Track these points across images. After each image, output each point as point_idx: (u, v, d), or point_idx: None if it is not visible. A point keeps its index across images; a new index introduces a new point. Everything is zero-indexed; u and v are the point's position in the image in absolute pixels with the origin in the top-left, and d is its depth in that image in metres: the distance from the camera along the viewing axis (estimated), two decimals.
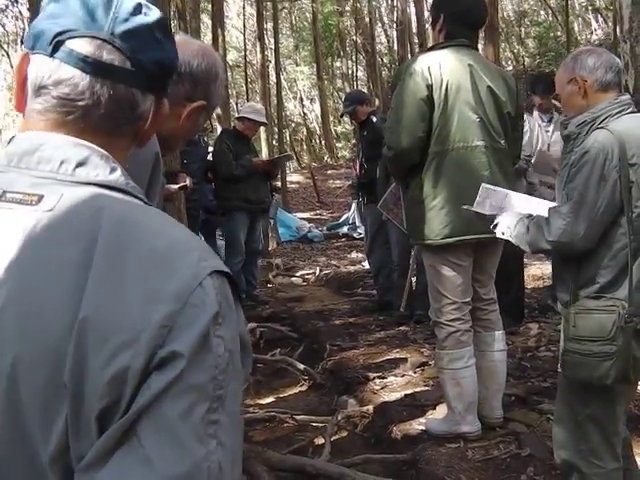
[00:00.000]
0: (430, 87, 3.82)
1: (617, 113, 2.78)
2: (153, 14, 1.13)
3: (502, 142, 4.00)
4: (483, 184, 3.42)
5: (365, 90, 32.78)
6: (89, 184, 1.04)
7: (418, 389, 5.07)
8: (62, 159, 1.05)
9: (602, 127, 2.76)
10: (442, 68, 3.85)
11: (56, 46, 1.07)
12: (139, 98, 1.11)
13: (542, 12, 31.17)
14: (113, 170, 1.08)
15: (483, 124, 3.91)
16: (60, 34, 1.06)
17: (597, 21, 26.57)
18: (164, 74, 1.16)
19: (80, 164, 1.05)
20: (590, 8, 27.42)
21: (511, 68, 22.86)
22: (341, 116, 10.04)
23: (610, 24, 19.57)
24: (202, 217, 9.31)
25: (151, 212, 1.07)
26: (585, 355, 2.72)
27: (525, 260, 7.21)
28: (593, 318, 2.72)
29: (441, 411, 4.46)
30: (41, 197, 1.00)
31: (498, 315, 4.24)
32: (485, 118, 3.92)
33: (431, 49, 4.09)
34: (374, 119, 7.89)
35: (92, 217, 0.98)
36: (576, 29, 27.89)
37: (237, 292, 1.06)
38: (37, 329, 0.93)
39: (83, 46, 1.06)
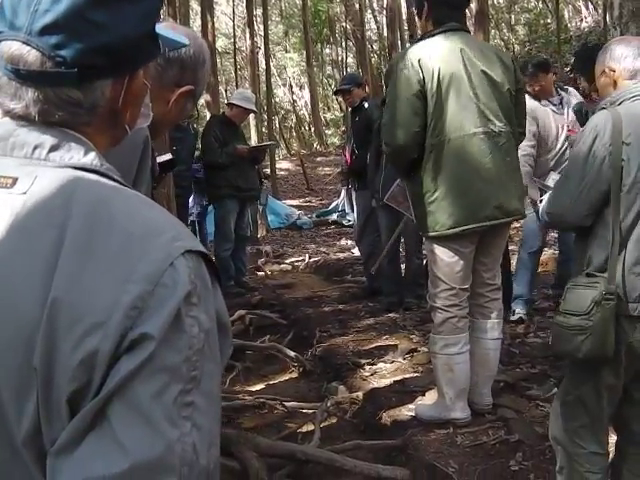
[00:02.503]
0: (422, 81, 3.78)
1: (633, 97, 2.78)
2: None
3: (502, 125, 3.93)
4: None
5: None
6: (64, 167, 1.03)
7: (407, 375, 5.08)
8: (36, 144, 1.04)
9: (605, 108, 2.80)
10: (432, 59, 3.81)
11: None
12: (76, 94, 1.05)
13: None
14: (87, 152, 1.06)
15: (479, 110, 3.86)
16: None
17: (587, 8, 26.50)
18: (119, 54, 1.06)
19: (54, 148, 1.04)
20: None
21: (491, 46, 22.83)
22: (335, 93, 9.98)
23: (600, 11, 19.56)
24: (197, 210, 9.35)
25: (126, 193, 1.05)
26: (564, 327, 2.77)
27: (512, 247, 7.22)
28: (578, 292, 2.76)
29: (430, 397, 4.48)
30: (15, 180, 1.00)
31: (500, 304, 4.24)
32: (481, 103, 3.87)
33: (421, 38, 4.04)
34: (366, 105, 7.88)
35: (65, 200, 0.97)
36: (566, 16, 27.80)
37: (216, 273, 1.05)
38: (9, 312, 0.92)
39: (6, 50, 1.02)
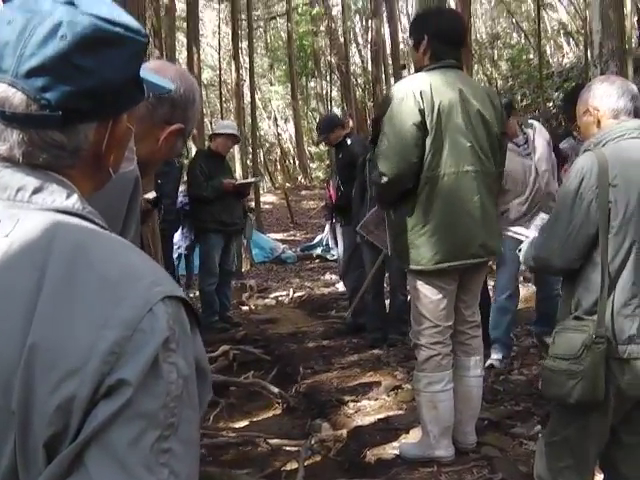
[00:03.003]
0: (422, 112, 3.79)
1: (617, 137, 2.81)
2: (73, 34, 1.03)
3: (490, 165, 4.00)
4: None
5: (339, 111, 32.91)
6: (46, 210, 1.04)
7: (392, 413, 5.07)
8: (19, 186, 1.05)
9: (590, 150, 2.83)
10: (433, 92, 3.82)
11: None
12: (59, 137, 1.06)
13: (515, 35, 31.48)
14: (69, 195, 1.07)
15: (473, 149, 3.91)
16: None
17: (569, 44, 26.88)
18: (103, 98, 1.08)
19: (36, 190, 1.05)
20: (562, 32, 27.75)
21: (484, 87, 23.04)
22: (316, 144, 10.06)
23: (582, 47, 19.83)
24: (185, 243, 9.36)
25: (106, 237, 1.06)
26: (554, 372, 2.77)
27: (494, 283, 7.24)
28: (567, 336, 2.76)
29: (414, 435, 4.47)
30: None
31: (480, 341, 4.26)
32: (475, 143, 3.92)
33: (419, 71, 4.06)
34: (348, 141, 7.92)
35: (45, 243, 0.98)
36: (548, 52, 28.17)
37: (196, 318, 1.06)
38: None
39: None
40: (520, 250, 3.18)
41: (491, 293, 6.49)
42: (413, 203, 3.91)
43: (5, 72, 1.02)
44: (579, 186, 2.74)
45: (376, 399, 5.43)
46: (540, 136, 6.01)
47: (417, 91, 3.81)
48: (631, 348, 2.70)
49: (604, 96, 2.91)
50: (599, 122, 2.93)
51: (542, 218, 3.36)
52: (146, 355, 0.92)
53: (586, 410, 2.78)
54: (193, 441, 1.00)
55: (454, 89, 3.91)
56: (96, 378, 0.90)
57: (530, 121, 6.32)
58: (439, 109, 3.82)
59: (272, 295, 11.29)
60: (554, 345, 2.82)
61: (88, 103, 1.05)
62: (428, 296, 4.00)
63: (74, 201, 1.07)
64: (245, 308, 10.30)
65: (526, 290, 8.32)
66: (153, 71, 1.51)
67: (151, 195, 2.99)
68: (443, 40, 4.00)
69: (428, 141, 3.83)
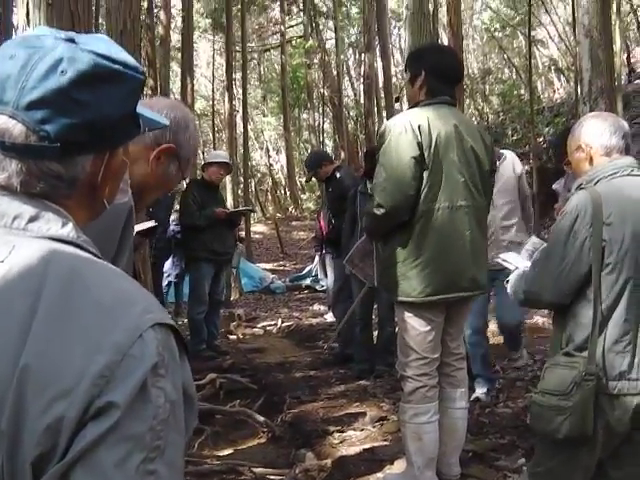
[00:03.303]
0: (421, 146, 3.83)
1: (610, 175, 2.85)
2: (73, 70, 1.07)
3: (481, 200, 4.07)
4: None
5: (331, 143, 33.10)
6: (41, 237, 1.07)
7: (377, 444, 5.07)
8: (15, 214, 1.08)
9: (584, 188, 2.85)
10: (431, 127, 3.86)
11: None
12: (57, 168, 1.09)
13: (506, 70, 31.79)
14: (65, 224, 1.10)
15: (466, 184, 3.96)
16: None
17: (559, 80, 27.15)
18: (100, 131, 1.12)
19: (32, 219, 1.08)
20: (553, 68, 28.04)
21: (475, 124, 23.23)
22: (306, 181, 10.08)
23: (572, 84, 20.02)
24: (176, 271, 9.37)
25: (99, 265, 1.09)
26: (543, 407, 2.78)
27: None
28: (557, 372, 2.78)
29: (399, 466, 4.47)
30: None
31: (465, 373, 4.29)
32: (468, 178, 3.97)
33: (415, 106, 4.10)
34: (338, 175, 7.97)
35: (40, 269, 1.01)
36: (539, 87, 28.42)
37: (184, 345, 1.09)
38: None
39: None
40: (508, 281, 3.20)
41: None
42: (407, 235, 3.94)
43: (6, 104, 1.06)
44: (574, 223, 2.76)
45: (362, 430, 5.43)
46: (506, 168, 6.05)
47: (415, 125, 3.85)
48: (622, 384, 2.72)
49: (597, 133, 2.95)
50: (591, 159, 2.96)
51: (533, 242, 3.36)
52: (135, 379, 0.95)
53: (574, 444, 2.78)
54: (178, 465, 1.02)
55: (449, 125, 3.95)
56: (86, 400, 0.92)
57: (501, 151, 6.31)
58: (436, 144, 3.86)
59: (260, 325, 11.29)
60: (544, 380, 2.84)
61: (86, 136, 1.09)
62: (416, 328, 4.01)
63: (69, 230, 1.11)
64: (233, 337, 10.30)
65: None
66: (147, 106, 1.55)
67: (147, 225, 3.01)
68: (440, 77, 4.05)
69: (425, 175, 3.86)
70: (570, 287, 2.79)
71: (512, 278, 3.15)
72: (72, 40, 1.11)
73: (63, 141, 1.07)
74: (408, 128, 3.85)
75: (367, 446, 5.00)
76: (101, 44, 1.13)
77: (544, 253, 2.95)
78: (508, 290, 3.19)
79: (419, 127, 3.85)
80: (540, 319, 8.84)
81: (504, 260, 3.39)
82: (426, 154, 3.85)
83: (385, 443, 5.07)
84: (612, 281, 2.72)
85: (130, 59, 1.15)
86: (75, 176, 1.12)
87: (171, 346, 1.04)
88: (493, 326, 8.59)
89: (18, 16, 4.56)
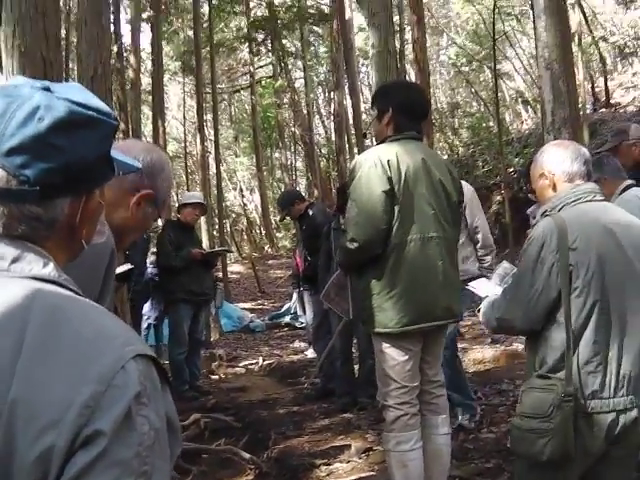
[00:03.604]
0: (390, 180, 3.89)
1: (574, 201, 2.90)
2: (50, 117, 1.13)
3: (451, 231, 4.15)
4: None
5: (304, 181, 33.26)
6: (24, 277, 1.13)
7: (363, 474, 5.09)
8: None
9: (548, 215, 2.92)
10: (400, 161, 3.93)
11: None
12: (37, 210, 1.15)
13: (474, 103, 32.20)
14: (46, 265, 1.16)
15: (436, 216, 4.03)
16: None
17: (527, 112, 27.52)
18: (77, 174, 1.17)
19: (15, 260, 1.14)
20: (520, 100, 28.44)
21: (446, 157, 23.46)
22: (280, 220, 10.12)
23: (539, 114, 20.36)
24: (155, 313, 9.36)
25: (81, 302, 1.15)
26: (524, 431, 2.81)
27: (466, 345, 7.35)
28: (534, 396, 2.80)
29: None
30: None
31: (445, 399, 4.32)
32: (438, 210, 4.04)
33: (380, 141, 4.18)
34: (310, 212, 8.05)
35: (24, 307, 1.06)
36: (507, 119, 28.79)
37: (165, 376, 1.15)
38: None
39: None
40: (479, 310, 3.25)
41: None
42: (381, 268, 3.99)
43: None
44: (540, 251, 2.81)
45: (348, 462, 5.45)
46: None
47: (385, 160, 3.92)
48: (595, 403, 2.76)
49: (558, 160, 3.01)
50: (555, 185, 3.02)
51: (504, 267, 3.40)
52: (120, 408, 1.01)
53: (552, 465, 2.80)
54: None
55: (417, 159, 4.03)
56: (73, 429, 0.97)
57: None
58: (406, 177, 3.93)
59: (242, 364, 11.25)
60: (522, 404, 2.87)
61: (63, 179, 1.15)
62: (394, 358, 4.05)
63: (50, 269, 1.17)
64: (215, 377, 10.25)
65: (494, 350, 8.43)
66: (121, 150, 1.62)
67: (124, 268, 3.07)
68: (407, 113, 4.14)
69: (396, 208, 3.93)
70: (540, 313, 2.83)
71: (483, 306, 3.19)
72: (48, 89, 1.17)
73: (42, 184, 1.13)
74: (378, 163, 3.92)
75: (354, 477, 5.02)
76: (75, 92, 1.20)
77: (513, 281, 2.99)
78: (480, 318, 3.23)
79: (388, 162, 3.92)
80: (520, 345, 8.92)
81: (474, 288, 3.43)
82: (396, 188, 3.91)
83: (371, 473, 5.10)
84: (580, 304, 2.76)
85: (103, 105, 1.22)
86: (54, 218, 1.18)
87: (152, 376, 1.10)
88: (474, 354, 8.70)
89: None
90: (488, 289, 3.31)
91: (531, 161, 3.27)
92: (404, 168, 3.94)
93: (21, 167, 1.11)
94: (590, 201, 2.93)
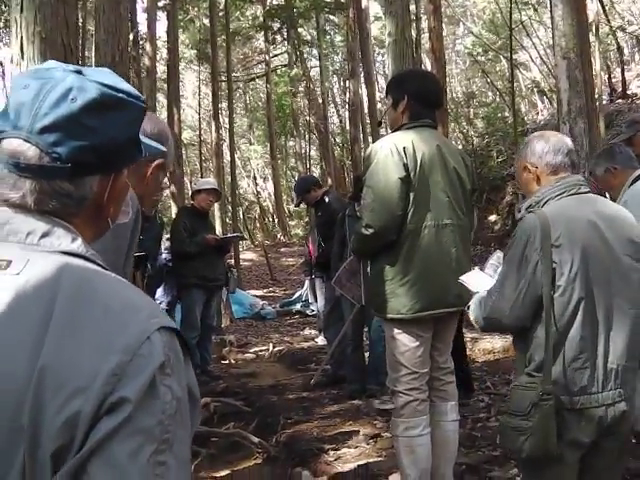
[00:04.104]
0: (407, 167, 3.92)
1: (558, 195, 2.90)
2: (83, 98, 1.18)
3: (464, 219, 4.19)
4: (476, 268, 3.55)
5: (318, 169, 33.25)
6: (53, 252, 1.18)
7: (371, 460, 5.12)
8: (29, 230, 1.19)
9: (532, 210, 2.91)
10: (415, 149, 3.97)
11: None
12: (67, 187, 1.20)
13: (490, 93, 32.09)
14: (74, 240, 1.21)
15: (450, 203, 4.07)
16: None
17: (542, 102, 27.39)
18: (107, 154, 1.22)
19: (45, 235, 1.19)
20: (535, 90, 28.33)
21: (461, 147, 23.43)
22: (296, 206, 10.11)
23: (555, 105, 20.28)
24: (168, 299, 9.43)
25: (107, 276, 1.20)
26: (507, 427, 2.83)
27: (476, 335, 7.38)
28: (519, 393, 2.82)
29: None
30: (9, 262, 1.14)
31: (454, 387, 4.35)
32: (452, 197, 4.08)
33: (395, 129, 4.21)
34: (327, 199, 8.08)
35: (53, 280, 1.11)
36: (523, 110, 28.70)
37: (187, 348, 1.19)
38: (5, 375, 1.05)
39: (8, 147, 1.18)
40: (468, 307, 3.21)
41: None
42: (395, 254, 4.03)
43: (21, 129, 1.17)
44: (524, 249, 2.80)
45: (356, 447, 5.49)
46: None
47: (400, 147, 3.95)
48: (584, 398, 2.77)
49: (541, 153, 3.00)
50: (539, 178, 3.01)
51: (498, 256, 3.36)
52: (145, 377, 1.05)
53: (546, 462, 2.83)
54: (185, 458, 1.12)
55: (433, 146, 4.07)
56: (100, 396, 1.02)
57: None
58: (421, 164, 3.97)
59: (252, 350, 11.32)
60: (509, 401, 2.91)
61: (94, 158, 1.20)
62: (406, 344, 4.09)
63: (78, 244, 1.21)
64: (225, 362, 10.33)
65: (504, 341, 8.46)
66: None
67: (136, 255, 3.20)
68: (422, 101, 4.18)
69: (411, 195, 3.96)
70: (527, 311, 2.83)
71: (472, 303, 3.16)
72: (79, 72, 1.23)
73: (73, 162, 1.18)
74: (394, 150, 3.95)
75: (362, 462, 5.04)
76: (105, 76, 1.25)
77: (499, 279, 2.97)
78: (470, 317, 3.19)
79: (404, 149, 3.95)
80: None
81: (465, 281, 3.39)
82: (412, 175, 3.95)
83: (379, 459, 5.14)
84: (565, 302, 2.75)
85: (132, 89, 1.28)
86: (83, 195, 1.23)
87: (176, 348, 1.14)
88: (484, 345, 8.73)
89: (12, 49, 4.66)
90: (480, 282, 3.25)
91: None
92: (420, 155, 3.97)
93: (54, 145, 1.16)
94: (575, 194, 2.92)
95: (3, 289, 1.11)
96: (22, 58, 4.51)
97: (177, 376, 1.11)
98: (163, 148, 1.71)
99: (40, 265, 1.14)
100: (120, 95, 1.24)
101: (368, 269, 4.29)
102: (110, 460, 1.00)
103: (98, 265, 1.22)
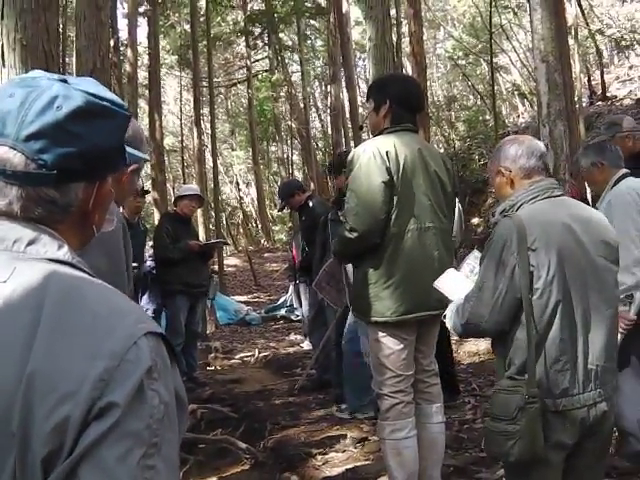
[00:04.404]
0: (389, 170, 3.94)
1: (532, 199, 2.92)
2: (68, 105, 1.19)
3: (446, 222, 4.22)
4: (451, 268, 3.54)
5: (300, 174, 33.25)
6: (40, 259, 1.18)
7: (359, 463, 5.15)
8: (15, 238, 1.20)
9: (507, 215, 2.92)
10: (398, 153, 3.99)
11: None
12: (53, 194, 1.21)
13: (471, 97, 32.22)
14: (60, 247, 1.22)
15: (432, 207, 4.10)
16: None
17: (523, 105, 27.55)
18: (92, 161, 1.23)
19: (31, 242, 1.20)
20: (516, 93, 28.48)
21: (442, 150, 23.52)
22: (279, 210, 10.11)
23: (535, 107, 20.38)
24: (153, 307, 9.40)
25: (94, 282, 1.21)
26: (493, 432, 2.83)
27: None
28: (502, 397, 2.82)
29: None
30: None
31: (439, 389, 4.37)
32: (434, 200, 4.11)
33: (377, 133, 4.23)
34: (310, 203, 8.08)
35: (41, 287, 1.12)
36: (504, 112, 28.85)
37: (173, 353, 1.20)
38: None
39: None
40: (445, 316, 3.20)
41: None
42: (379, 257, 4.04)
43: (7, 137, 1.18)
44: (501, 253, 2.81)
45: (343, 451, 5.51)
46: None
47: (383, 151, 3.97)
48: (566, 400, 2.79)
49: (515, 157, 3.02)
50: (512, 182, 3.03)
51: (475, 256, 3.36)
52: (133, 381, 1.06)
53: (531, 465, 2.84)
54: (174, 462, 1.13)
55: (414, 150, 4.09)
56: (88, 401, 1.03)
57: None
58: (404, 168, 3.99)
59: (238, 356, 11.29)
60: (492, 405, 2.89)
61: (79, 164, 1.22)
62: (390, 347, 4.10)
63: (65, 252, 1.22)
64: (211, 368, 10.31)
65: (489, 343, 8.47)
66: None
67: None
68: (404, 105, 4.21)
69: (395, 199, 3.98)
70: (506, 315, 2.83)
71: (449, 311, 3.15)
72: (65, 81, 1.25)
73: (59, 169, 1.19)
74: (376, 154, 3.97)
75: (350, 466, 5.07)
76: (90, 85, 1.27)
77: (477, 284, 2.96)
78: (448, 325, 3.18)
79: (387, 153, 3.97)
80: None
81: (439, 287, 3.37)
82: (395, 179, 3.97)
83: (367, 462, 5.15)
84: (543, 305, 2.77)
85: (117, 98, 1.30)
86: (69, 202, 1.24)
87: (162, 353, 1.15)
88: (469, 347, 8.76)
89: None
90: (455, 287, 3.24)
91: None
92: (402, 159, 4.00)
93: (39, 152, 1.17)
94: (549, 197, 2.94)
95: None
96: (3, 65, 4.49)
97: (164, 381, 1.12)
98: (146, 156, 1.73)
99: (27, 273, 1.14)
100: (104, 103, 1.25)
101: (349, 272, 4.30)
102: (100, 464, 1.01)
103: (85, 272, 1.23)
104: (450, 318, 3.10)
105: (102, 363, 1.05)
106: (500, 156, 3.09)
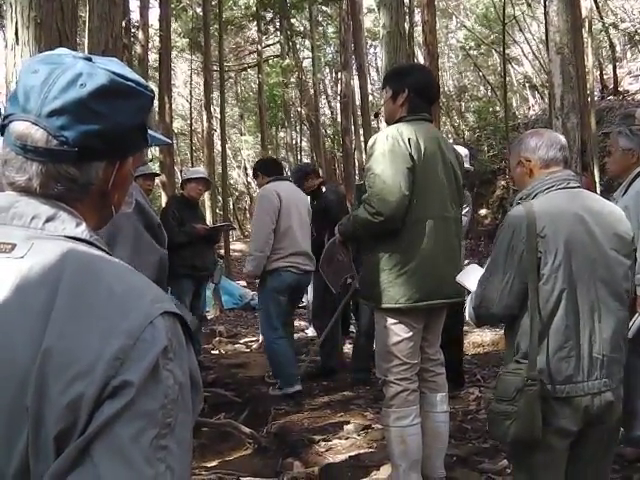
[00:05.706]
0: (412, 157, 3.95)
1: (547, 189, 2.97)
2: (92, 83, 1.19)
3: (458, 212, 4.26)
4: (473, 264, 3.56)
5: (308, 160, 33.20)
6: (57, 236, 1.18)
7: (362, 451, 5.15)
8: (33, 215, 1.19)
9: (520, 203, 2.98)
10: (419, 141, 4.00)
11: (2, 128, 1.22)
12: (73, 171, 1.21)
13: (482, 88, 32.16)
14: (78, 225, 1.22)
15: (448, 196, 4.13)
16: (6, 117, 1.22)
17: (534, 97, 27.47)
18: (113, 140, 1.24)
19: (49, 219, 1.20)
20: (527, 85, 28.39)
21: (452, 141, 23.48)
22: None
23: (546, 100, 20.28)
24: None
25: (111, 261, 1.20)
26: (495, 413, 2.89)
27: (466, 328, 7.38)
28: (506, 379, 2.88)
29: (385, 471, 4.55)
30: (14, 246, 1.15)
31: (444, 378, 4.38)
32: (447, 190, 4.13)
33: (393, 121, 4.22)
34: (323, 189, 8.08)
35: (57, 263, 1.11)
36: (514, 104, 28.77)
37: (189, 333, 1.19)
38: (6, 359, 1.05)
39: (16, 129, 1.19)
40: (465, 308, 3.26)
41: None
42: (397, 243, 4.04)
43: (29, 112, 1.18)
44: (511, 239, 2.87)
45: (347, 438, 5.51)
46: None
47: (406, 138, 3.98)
48: (570, 387, 2.83)
49: (535, 148, 3.08)
50: (531, 172, 3.08)
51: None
52: (148, 361, 1.05)
53: (534, 449, 2.89)
54: (187, 443, 1.12)
55: (433, 139, 4.12)
56: (103, 379, 1.02)
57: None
58: (424, 157, 4.00)
59: (242, 340, 11.31)
60: (497, 387, 2.96)
61: (100, 143, 1.21)
62: (398, 334, 4.10)
63: (83, 229, 1.22)
64: (215, 353, 10.32)
65: (494, 334, 8.49)
66: None
67: None
68: (422, 95, 4.21)
69: (416, 185, 3.98)
70: (515, 299, 2.89)
71: (467, 306, 3.19)
72: (89, 59, 1.24)
73: (80, 147, 1.19)
74: (400, 141, 3.97)
75: (353, 453, 5.08)
76: (114, 65, 1.27)
77: (487, 269, 3.03)
78: (466, 316, 3.24)
79: (409, 140, 3.98)
80: None
81: (461, 280, 3.41)
82: (416, 165, 3.98)
83: (370, 450, 5.16)
84: (549, 291, 2.82)
85: (141, 79, 1.29)
86: (89, 180, 1.24)
87: (178, 333, 1.14)
88: (473, 338, 8.76)
89: (7, 34, 4.63)
90: (473, 283, 3.25)
91: None
92: (423, 148, 4.01)
93: (61, 128, 1.17)
94: (564, 188, 2.98)
95: (7, 272, 1.11)
96: (17, 43, 4.48)
97: (179, 361, 1.11)
98: (169, 140, 1.71)
99: (44, 249, 1.14)
100: (129, 83, 1.25)
101: (366, 258, 4.26)
102: (113, 443, 1.01)
103: (102, 250, 1.22)
104: (467, 308, 3.17)
105: (118, 342, 1.04)
106: (521, 147, 3.14)
